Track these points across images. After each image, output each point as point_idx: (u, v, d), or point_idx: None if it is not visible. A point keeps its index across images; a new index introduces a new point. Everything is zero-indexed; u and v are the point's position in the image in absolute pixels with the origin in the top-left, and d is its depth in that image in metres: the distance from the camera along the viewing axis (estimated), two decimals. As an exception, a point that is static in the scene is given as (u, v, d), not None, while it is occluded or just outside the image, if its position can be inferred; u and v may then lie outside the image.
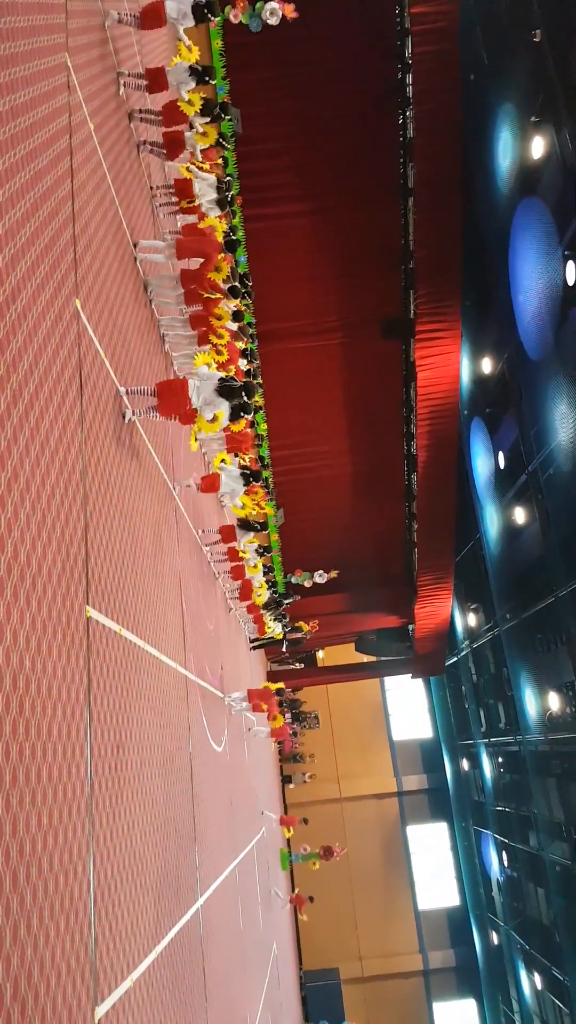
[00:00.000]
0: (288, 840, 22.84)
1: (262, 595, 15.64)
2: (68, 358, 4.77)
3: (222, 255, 8.74)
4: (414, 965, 28.25)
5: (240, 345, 10.83)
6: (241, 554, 13.47)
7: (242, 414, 7.34)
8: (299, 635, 20.96)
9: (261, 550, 14.78)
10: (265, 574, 15.49)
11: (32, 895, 3.29)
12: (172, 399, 6.75)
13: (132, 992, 4.60)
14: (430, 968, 28.25)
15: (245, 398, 7.36)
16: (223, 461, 10.62)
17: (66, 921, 3.62)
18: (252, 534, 12.37)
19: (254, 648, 19.69)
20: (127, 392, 6.33)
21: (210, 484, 9.45)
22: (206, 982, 7.27)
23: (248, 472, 10.30)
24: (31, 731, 3.49)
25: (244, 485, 10.15)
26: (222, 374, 7.40)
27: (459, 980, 28.24)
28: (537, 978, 19.90)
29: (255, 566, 14.44)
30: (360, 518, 22.21)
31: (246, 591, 14.28)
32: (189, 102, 8.33)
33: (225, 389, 7.12)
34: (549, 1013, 19.77)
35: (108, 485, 5.50)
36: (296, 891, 22.81)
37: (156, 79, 7.98)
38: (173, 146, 8.45)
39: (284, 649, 21.74)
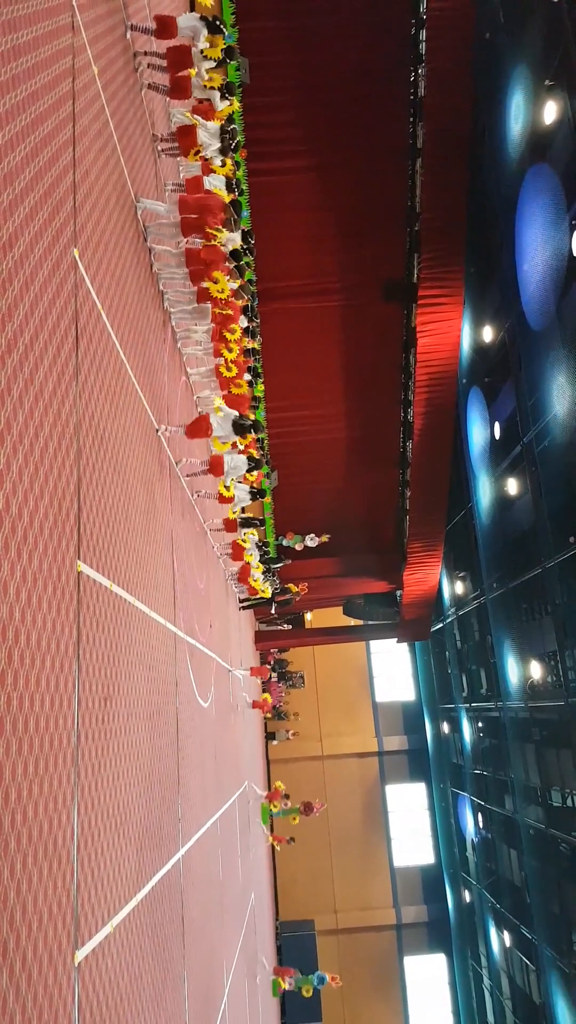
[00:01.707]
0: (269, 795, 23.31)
1: (254, 561, 15.81)
2: (64, 309, 4.70)
3: (222, 215, 8.56)
4: (387, 919, 29.10)
5: (240, 303, 10.68)
6: (241, 541, 13.93)
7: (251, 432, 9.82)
8: (288, 596, 21.14)
9: (256, 521, 14.93)
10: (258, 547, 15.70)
11: (16, 841, 3.35)
12: (198, 429, 8.98)
13: (112, 937, 4.73)
14: (403, 923, 29.11)
15: (253, 432, 9.87)
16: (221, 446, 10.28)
17: (49, 867, 3.70)
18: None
19: (244, 608, 19.86)
20: (164, 429, 8.08)
21: (197, 429, 9.00)
22: (184, 929, 7.47)
23: (245, 422, 9.97)
24: (19, 681, 3.52)
25: (238, 434, 9.80)
26: (236, 413, 9.74)
27: (430, 935, 29.14)
28: (506, 936, 20.56)
29: (247, 544, 14.72)
30: (353, 483, 22.22)
31: (237, 553, 14.43)
32: (212, 45, 8.13)
33: (237, 426, 9.56)
34: (516, 969, 20.47)
35: (102, 440, 5.47)
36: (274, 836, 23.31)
37: (165, 26, 7.75)
38: (179, 89, 8.23)
39: (273, 611, 21.91)
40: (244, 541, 14.61)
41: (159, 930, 6.24)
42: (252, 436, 10.62)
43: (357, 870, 29.39)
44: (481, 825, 23.52)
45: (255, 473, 11.51)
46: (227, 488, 11.10)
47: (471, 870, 25.27)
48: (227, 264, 9.14)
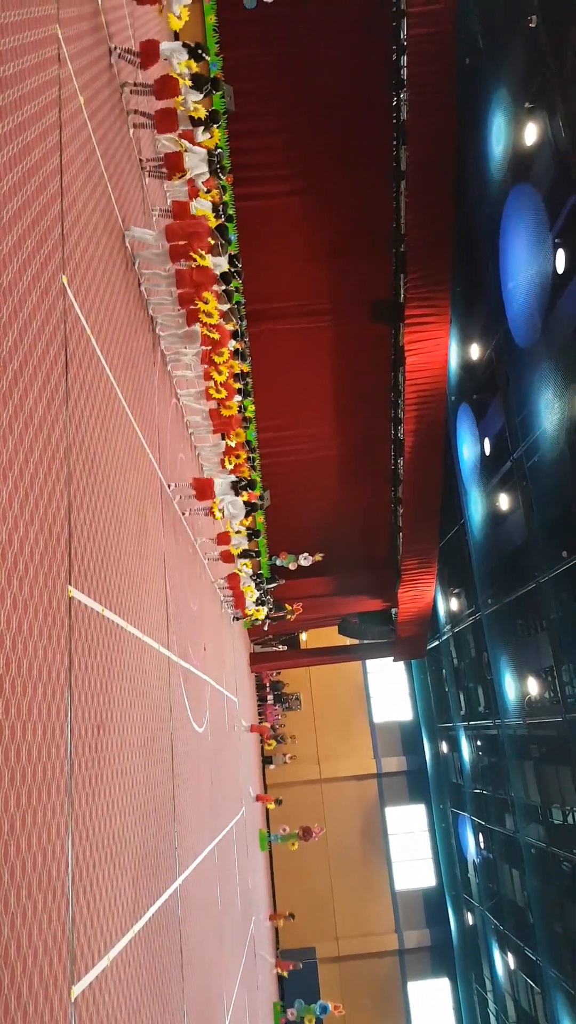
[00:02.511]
0: (267, 813, 23.00)
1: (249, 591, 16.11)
2: (53, 335, 4.71)
3: (210, 241, 8.65)
4: (390, 945, 28.66)
5: (230, 326, 10.76)
6: (237, 570, 14.22)
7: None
8: (282, 613, 21.04)
9: (249, 533, 14.99)
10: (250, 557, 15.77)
11: (10, 874, 3.28)
12: (203, 491, 10.34)
13: (108, 971, 4.63)
14: (405, 948, 28.68)
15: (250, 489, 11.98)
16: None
17: (44, 900, 3.63)
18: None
19: (237, 619, 19.82)
20: (172, 486, 9.26)
21: (204, 490, 10.72)
22: (183, 961, 7.33)
23: (241, 482, 12.48)
24: (11, 711, 3.47)
25: (236, 493, 12.29)
26: (235, 477, 12.00)
27: (433, 960, 28.70)
28: (510, 958, 20.28)
29: (242, 569, 15.02)
30: (346, 501, 22.25)
31: (234, 582, 14.67)
32: (187, 67, 8.23)
33: (235, 484, 11.80)
34: (521, 992, 20.18)
35: (93, 464, 5.45)
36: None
37: (149, 52, 7.85)
38: (165, 121, 8.32)
39: (266, 628, 21.76)
40: (240, 570, 14.96)
41: (157, 962, 6.11)
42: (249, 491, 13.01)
43: (358, 895, 28.99)
44: (482, 845, 23.28)
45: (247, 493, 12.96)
46: (220, 512, 11.90)
47: (473, 892, 24.98)
48: (216, 288, 9.23)
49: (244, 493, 12.52)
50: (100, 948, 4.51)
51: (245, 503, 12.55)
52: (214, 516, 11.58)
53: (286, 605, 21.11)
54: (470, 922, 25.68)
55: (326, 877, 28.84)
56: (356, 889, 29.01)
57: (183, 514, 10.69)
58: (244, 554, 14.70)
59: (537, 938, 17.22)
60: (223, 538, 13.57)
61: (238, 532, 14.06)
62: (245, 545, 14.68)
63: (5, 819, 3.29)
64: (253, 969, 15.69)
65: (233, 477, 12.25)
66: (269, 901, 25.59)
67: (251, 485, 12.68)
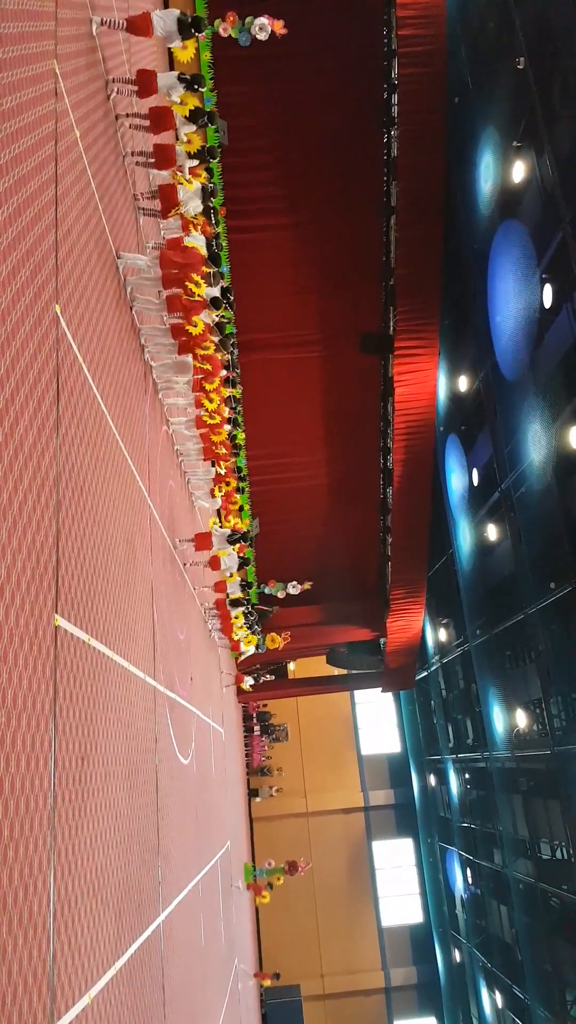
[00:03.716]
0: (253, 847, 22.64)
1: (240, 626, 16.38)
2: (46, 363, 4.74)
3: (204, 270, 8.76)
4: (376, 982, 28.09)
5: (221, 356, 10.85)
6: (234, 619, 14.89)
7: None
8: (268, 610, 20.90)
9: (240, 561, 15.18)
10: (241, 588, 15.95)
11: (-11, 910, 3.22)
12: (203, 541, 12.20)
13: (89, 1010, 4.52)
14: (392, 985, 28.11)
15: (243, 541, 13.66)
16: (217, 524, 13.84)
17: (24, 936, 3.55)
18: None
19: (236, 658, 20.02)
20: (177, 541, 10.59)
21: (203, 543, 12.40)
22: (165, 999, 7.16)
23: (236, 536, 13.60)
24: (-6, 741, 3.42)
25: (231, 544, 13.63)
26: (231, 531, 13.45)
27: (420, 997, 28.14)
28: (498, 996, 19.91)
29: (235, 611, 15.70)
30: (335, 530, 22.28)
31: (227, 627, 14.87)
32: (182, 103, 8.37)
33: (232, 538, 13.35)
34: (509, 1031, 19.79)
35: (82, 492, 5.45)
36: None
37: (146, 83, 7.99)
38: (162, 158, 8.46)
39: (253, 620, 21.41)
40: (237, 618, 15.34)
41: (139, 1000, 5.97)
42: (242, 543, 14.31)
43: (344, 931, 28.46)
44: (470, 880, 22.97)
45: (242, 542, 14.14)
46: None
47: (461, 928, 24.59)
48: (208, 319, 9.34)
49: (236, 546, 13.86)
50: (81, 985, 4.41)
51: (230, 537, 13.62)
52: (216, 567, 13.38)
53: (274, 636, 21.00)
54: (457, 959, 25.24)
55: (312, 913, 28.33)
56: (342, 925, 28.49)
57: (184, 565, 11.92)
58: (235, 603, 15.33)
59: (525, 976, 16.94)
60: (220, 586, 14.37)
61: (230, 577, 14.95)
62: (238, 594, 15.10)
63: (-14, 853, 3.23)
64: (237, 1007, 15.33)
65: (228, 531, 13.65)
66: (254, 937, 25.08)
67: (244, 538, 14.17)
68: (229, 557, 13.64)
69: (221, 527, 13.65)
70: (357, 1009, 27.59)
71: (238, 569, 14.73)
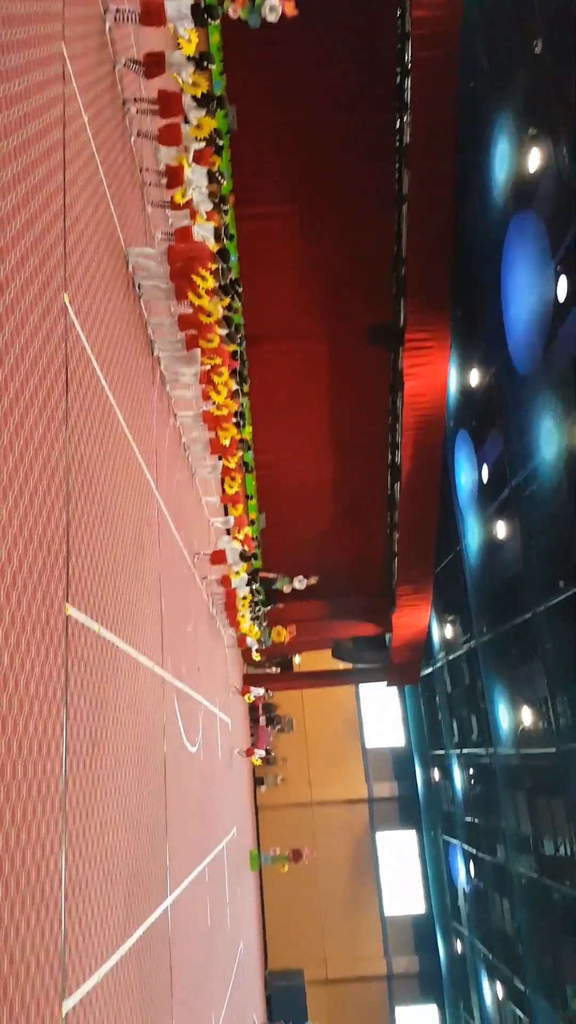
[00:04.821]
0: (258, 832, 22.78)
1: (245, 615, 16.67)
2: (55, 354, 4.76)
3: (211, 265, 8.77)
4: (378, 969, 28.30)
5: (229, 348, 10.88)
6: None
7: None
8: (274, 577, 20.99)
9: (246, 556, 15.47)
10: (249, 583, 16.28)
11: (3, 889, 3.29)
12: (219, 558, 13.78)
13: (99, 987, 4.60)
14: (394, 973, 28.31)
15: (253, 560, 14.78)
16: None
17: (37, 916, 3.62)
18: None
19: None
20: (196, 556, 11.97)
21: (218, 558, 13.89)
22: (172, 979, 7.26)
23: (249, 554, 15.16)
24: (7, 726, 3.49)
25: (243, 561, 15.09)
26: (241, 547, 14.90)
27: (422, 986, 28.33)
28: (499, 987, 20.02)
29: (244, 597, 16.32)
30: (341, 525, 22.24)
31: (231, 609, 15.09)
32: (194, 84, 8.35)
33: (243, 555, 14.85)
34: (509, 1022, 19.90)
35: (91, 483, 5.49)
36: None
37: (154, 63, 7.97)
38: (169, 138, 8.44)
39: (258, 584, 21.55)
40: (245, 599, 16.19)
41: (147, 980, 6.06)
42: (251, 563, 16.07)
43: (347, 919, 28.66)
44: (473, 874, 23.05)
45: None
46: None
47: (462, 919, 24.69)
48: (220, 328, 9.47)
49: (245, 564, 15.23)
50: (91, 964, 4.49)
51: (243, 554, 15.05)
52: (229, 584, 14.63)
53: (273, 629, 21.10)
54: (459, 950, 25.37)
55: (316, 900, 28.52)
56: (345, 913, 28.69)
57: (201, 580, 13.13)
58: (244, 556, 15.91)
59: (526, 968, 17.02)
60: (218, 557, 14.29)
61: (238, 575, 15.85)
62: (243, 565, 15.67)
63: (0, 834, 3.30)
64: (241, 989, 15.48)
65: (242, 548, 15.03)
66: (258, 922, 25.28)
67: (255, 556, 15.93)
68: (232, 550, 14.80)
69: (232, 542, 14.89)
70: (359, 995, 27.82)
71: (243, 559, 15.05)
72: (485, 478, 17.94)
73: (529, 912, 16.98)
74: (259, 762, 22.45)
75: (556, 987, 15.60)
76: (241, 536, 15.66)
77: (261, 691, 22.83)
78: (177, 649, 9.47)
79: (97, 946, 4.66)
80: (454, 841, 25.12)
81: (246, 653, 23.02)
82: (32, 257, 4.42)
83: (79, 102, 5.89)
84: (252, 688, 21.53)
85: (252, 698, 22.23)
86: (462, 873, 24.43)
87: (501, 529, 16.80)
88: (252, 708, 28.13)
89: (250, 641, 20.56)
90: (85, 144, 6.07)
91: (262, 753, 22.90)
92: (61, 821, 4.11)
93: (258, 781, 29.37)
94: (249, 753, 21.03)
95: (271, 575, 21.05)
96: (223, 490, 15.00)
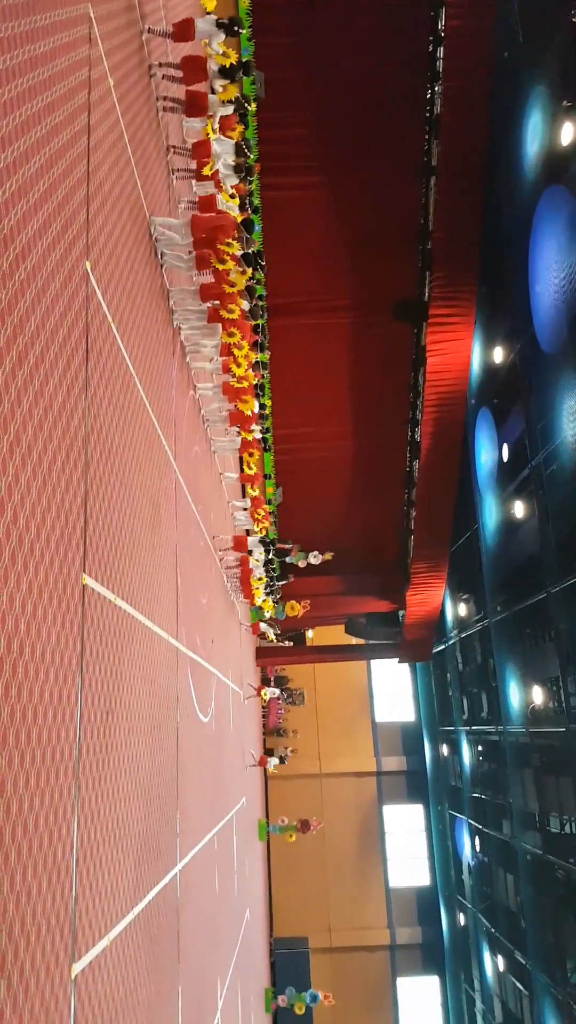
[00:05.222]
0: (267, 816, 23.12)
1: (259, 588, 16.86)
2: (75, 322, 4.72)
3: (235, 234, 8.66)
4: (381, 939, 28.79)
5: (251, 323, 10.78)
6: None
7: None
8: (289, 547, 21.09)
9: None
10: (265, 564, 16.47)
11: (16, 853, 3.34)
12: (240, 544, 14.37)
13: (108, 951, 4.69)
14: (397, 943, 28.80)
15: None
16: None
17: (48, 880, 3.68)
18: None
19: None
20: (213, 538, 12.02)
21: (240, 545, 14.50)
22: (180, 944, 7.41)
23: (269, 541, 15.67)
24: (23, 693, 3.52)
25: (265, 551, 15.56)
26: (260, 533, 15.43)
27: (424, 957, 28.81)
28: (500, 960, 20.31)
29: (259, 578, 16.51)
30: (358, 502, 22.19)
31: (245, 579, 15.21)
32: (224, 54, 8.19)
33: (263, 541, 15.38)
34: (509, 994, 20.22)
35: (110, 454, 5.48)
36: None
37: (183, 29, 7.82)
38: (194, 106, 8.31)
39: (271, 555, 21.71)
40: (257, 592, 16.53)
41: (155, 944, 6.19)
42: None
43: (352, 889, 29.12)
44: (478, 849, 23.29)
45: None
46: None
47: (466, 893, 25.01)
48: (242, 301, 9.37)
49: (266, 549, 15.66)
50: (101, 928, 4.58)
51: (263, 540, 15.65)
52: (248, 570, 15.01)
53: (287, 603, 21.20)
54: (462, 923, 25.73)
55: (322, 870, 28.98)
56: (351, 883, 29.14)
57: (225, 571, 13.74)
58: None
59: (528, 942, 17.23)
60: (241, 543, 14.80)
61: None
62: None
63: (14, 799, 3.34)
64: (247, 956, 15.80)
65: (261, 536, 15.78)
66: (265, 890, 25.74)
67: (275, 543, 16.62)
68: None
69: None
70: (362, 964, 28.35)
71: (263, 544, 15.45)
72: (505, 457, 17.78)
73: (533, 888, 17.15)
74: (266, 698, 22.77)
75: (557, 962, 15.80)
76: (260, 517, 15.88)
77: (276, 691, 23.18)
78: (191, 621, 9.53)
79: (107, 911, 4.75)
80: (461, 816, 25.35)
81: (255, 628, 23.17)
82: (55, 223, 4.36)
83: (105, 65, 5.78)
84: (266, 688, 21.75)
85: (267, 698, 22.50)
86: (467, 847, 24.69)
87: (519, 509, 16.69)
88: (264, 680, 28.39)
89: (264, 627, 20.90)
90: (110, 109, 5.96)
91: (276, 761, 22.95)
92: (74, 787, 4.16)
93: (268, 752, 29.73)
94: (262, 762, 21.31)
95: (287, 545, 21.07)
96: (241, 469, 15.05)
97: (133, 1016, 5.28)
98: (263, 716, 28.30)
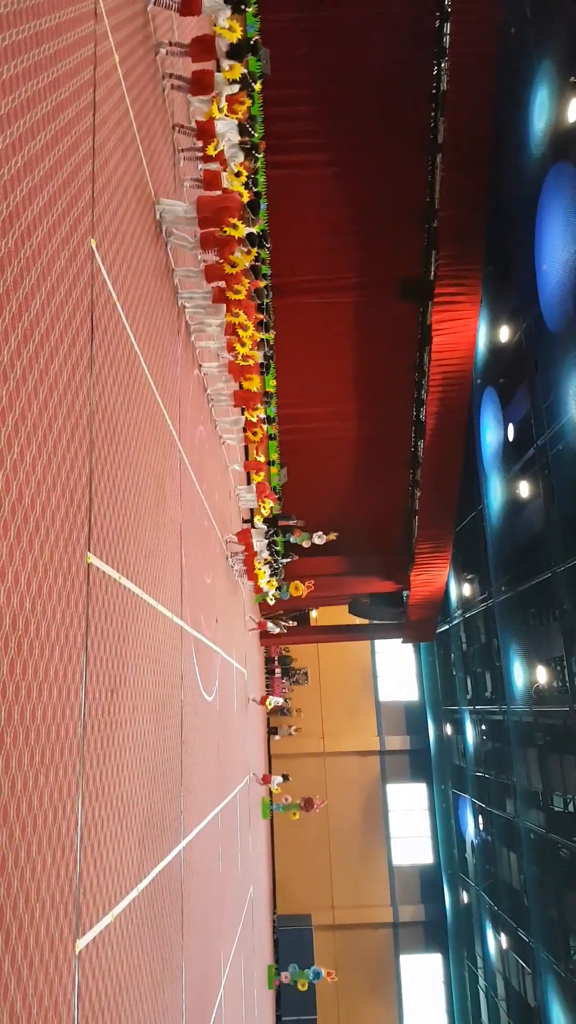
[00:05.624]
0: (270, 792, 23.34)
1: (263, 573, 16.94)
2: (80, 299, 4.69)
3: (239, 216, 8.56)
4: (385, 917, 29.13)
5: (256, 302, 10.68)
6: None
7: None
8: (293, 524, 21.13)
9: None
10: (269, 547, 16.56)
11: (21, 830, 3.36)
12: (245, 536, 14.64)
13: (112, 927, 4.74)
14: (400, 921, 29.14)
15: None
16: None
17: (52, 856, 3.71)
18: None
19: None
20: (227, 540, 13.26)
21: (245, 538, 14.72)
22: (183, 921, 7.49)
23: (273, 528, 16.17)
24: (27, 671, 3.52)
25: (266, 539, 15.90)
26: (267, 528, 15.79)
27: (427, 935, 29.16)
28: (503, 938, 20.54)
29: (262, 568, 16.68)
30: (363, 481, 22.15)
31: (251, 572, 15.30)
32: (230, 28, 8.07)
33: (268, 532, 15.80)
34: (512, 972, 20.46)
35: (115, 433, 5.46)
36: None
37: (189, 3, 7.70)
38: (200, 84, 8.20)
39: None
40: (261, 572, 16.59)
41: (158, 921, 6.25)
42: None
43: (356, 867, 29.43)
44: (481, 827, 23.48)
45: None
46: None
47: (470, 871, 25.25)
48: (247, 280, 9.28)
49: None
50: (105, 905, 4.62)
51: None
52: (254, 562, 15.26)
53: (291, 583, 21.21)
54: (465, 901, 26.00)
55: (325, 847, 29.28)
56: (354, 861, 29.44)
57: (232, 568, 14.15)
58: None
59: (531, 920, 17.42)
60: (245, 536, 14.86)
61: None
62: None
63: (19, 776, 3.36)
64: (250, 932, 16.01)
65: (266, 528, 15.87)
66: (269, 867, 26.03)
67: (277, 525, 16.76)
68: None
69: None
70: (365, 941, 28.71)
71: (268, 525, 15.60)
72: (511, 437, 17.71)
73: (536, 866, 17.30)
74: (271, 706, 22.96)
75: (560, 939, 15.98)
76: (264, 505, 15.93)
77: (280, 700, 23.48)
78: (196, 600, 9.55)
79: (111, 887, 4.79)
80: (464, 795, 25.54)
81: (264, 605, 23.23)
82: (60, 200, 4.32)
83: (111, 41, 5.70)
84: (269, 622, 21.85)
85: (271, 705, 22.90)
86: (471, 826, 24.90)
87: (524, 489, 16.64)
88: (268, 660, 28.53)
89: (271, 627, 21.11)
90: (116, 85, 5.89)
91: (279, 701, 23.31)
92: (79, 765, 4.18)
93: (272, 731, 29.95)
94: (263, 701, 21.42)
95: (291, 522, 21.04)
96: (246, 456, 15.10)
97: (137, 991, 5.34)
98: (267, 695, 28.45)
